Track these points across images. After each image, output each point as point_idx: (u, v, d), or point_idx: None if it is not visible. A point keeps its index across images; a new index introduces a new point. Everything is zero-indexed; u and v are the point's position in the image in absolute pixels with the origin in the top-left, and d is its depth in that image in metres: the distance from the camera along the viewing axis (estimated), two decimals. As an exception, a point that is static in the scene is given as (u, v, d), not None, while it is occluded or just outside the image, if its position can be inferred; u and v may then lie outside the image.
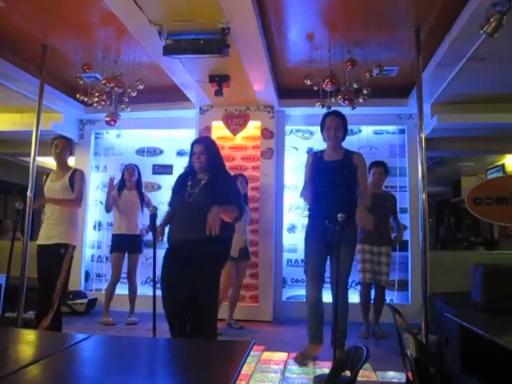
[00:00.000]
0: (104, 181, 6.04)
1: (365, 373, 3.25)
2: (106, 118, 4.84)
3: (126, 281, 5.06)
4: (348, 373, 1.30)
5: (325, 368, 3.35)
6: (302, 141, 5.86)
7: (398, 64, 4.64)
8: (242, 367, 1.35)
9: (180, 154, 5.97)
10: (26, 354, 1.63)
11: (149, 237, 4.85)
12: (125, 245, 4.96)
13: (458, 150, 6.23)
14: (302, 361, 3.46)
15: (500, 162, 7.34)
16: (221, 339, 3.95)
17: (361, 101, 4.48)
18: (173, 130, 6.07)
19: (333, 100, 4.53)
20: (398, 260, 5.41)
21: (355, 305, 4.47)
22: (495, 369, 2.37)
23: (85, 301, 5.46)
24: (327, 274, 3.59)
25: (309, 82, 4.41)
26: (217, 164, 3.28)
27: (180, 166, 3.36)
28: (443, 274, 4.63)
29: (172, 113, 5.81)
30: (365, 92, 4.38)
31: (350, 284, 4.04)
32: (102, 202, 6.01)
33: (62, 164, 3.97)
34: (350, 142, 5.52)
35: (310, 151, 5.13)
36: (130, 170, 5.10)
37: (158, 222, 3.25)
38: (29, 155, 4.18)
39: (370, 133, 5.81)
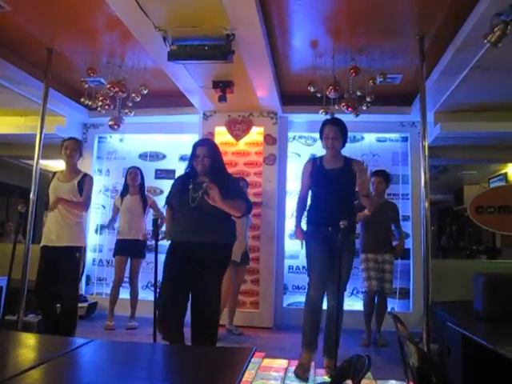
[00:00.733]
0: (107, 184, 6.06)
1: (365, 381, 3.22)
2: (110, 123, 4.86)
3: (127, 285, 5.05)
4: (349, 382, 1.29)
5: (325, 376, 3.34)
6: (305, 147, 5.87)
7: (402, 72, 4.64)
8: (243, 375, 1.34)
9: (183, 158, 5.96)
10: (25, 359, 1.62)
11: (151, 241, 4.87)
12: (127, 249, 4.95)
13: (461, 159, 6.23)
14: (302, 375, 3.34)
15: (503, 171, 7.32)
16: (222, 346, 3.93)
17: (364, 108, 4.49)
18: (176, 135, 6.07)
19: (336, 107, 4.55)
20: (399, 268, 5.39)
21: (358, 312, 4.46)
22: (497, 379, 2.36)
23: (85, 305, 5.44)
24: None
25: (312, 89, 4.41)
26: (220, 167, 3.24)
27: (182, 171, 3.35)
28: (445, 283, 4.60)
29: (175, 118, 5.82)
30: (368, 99, 4.40)
31: (351, 292, 4.05)
32: (104, 206, 6.03)
33: (72, 166, 3.98)
34: (352, 149, 5.58)
35: (312, 157, 5.12)
36: (133, 175, 5.05)
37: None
38: (32, 158, 4.20)
39: (373, 140, 5.82)
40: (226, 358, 1.69)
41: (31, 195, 4.04)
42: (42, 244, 3.85)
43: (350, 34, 3.93)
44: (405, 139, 5.76)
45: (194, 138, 5.72)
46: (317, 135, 3.77)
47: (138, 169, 5.16)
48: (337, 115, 4.57)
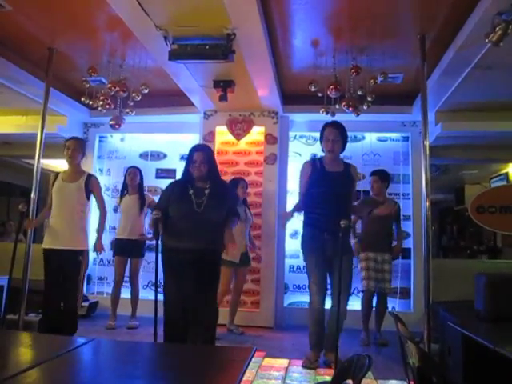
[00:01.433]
0: (108, 184, 6.05)
1: (366, 381, 3.22)
2: (111, 122, 4.86)
3: (128, 284, 5.05)
4: (350, 381, 1.29)
5: (326, 375, 3.34)
6: (306, 147, 5.86)
7: (403, 71, 4.64)
8: (243, 374, 1.34)
9: (183, 158, 5.93)
10: (26, 358, 1.62)
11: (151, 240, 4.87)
12: (126, 249, 4.95)
13: (462, 158, 6.22)
14: (310, 365, 3.50)
15: (504, 171, 7.31)
16: (222, 345, 3.93)
17: (365, 107, 4.48)
18: (177, 135, 6.07)
19: (337, 106, 4.55)
20: (400, 268, 5.39)
21: (355, 312, 4.46)
22: (498, 379, 2.35)
23: (86, 304, 5.44)
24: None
25: (313, 89, 4.40)
26: (216, 173, 3.29)
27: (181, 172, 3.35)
28: (446, 283, 4.60)
29: (176, 117, 5.82)
30: (369, 99, 4.39)
31: (352, 291, 4.06)
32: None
33: (74, 165, 3.98)
34: (353, 149, 5.58)
35: (313, 157, 5.12)
36: (132, 175, 5.04)
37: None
38: (33, 157, 4.20)
39: (374, 140, 5.81)
40: (226, 358, 1.70)
41: (32, 194, 4.04)
42: (46, 246, 3.82)
43: (351, 34, 3.93)
44: (406, 139, 5.76)
45: (195, 137, 5.74)
46: (318, 135, 3.78)
47: (138, 169, 5.15)
48: (338, 114, 4.59)
